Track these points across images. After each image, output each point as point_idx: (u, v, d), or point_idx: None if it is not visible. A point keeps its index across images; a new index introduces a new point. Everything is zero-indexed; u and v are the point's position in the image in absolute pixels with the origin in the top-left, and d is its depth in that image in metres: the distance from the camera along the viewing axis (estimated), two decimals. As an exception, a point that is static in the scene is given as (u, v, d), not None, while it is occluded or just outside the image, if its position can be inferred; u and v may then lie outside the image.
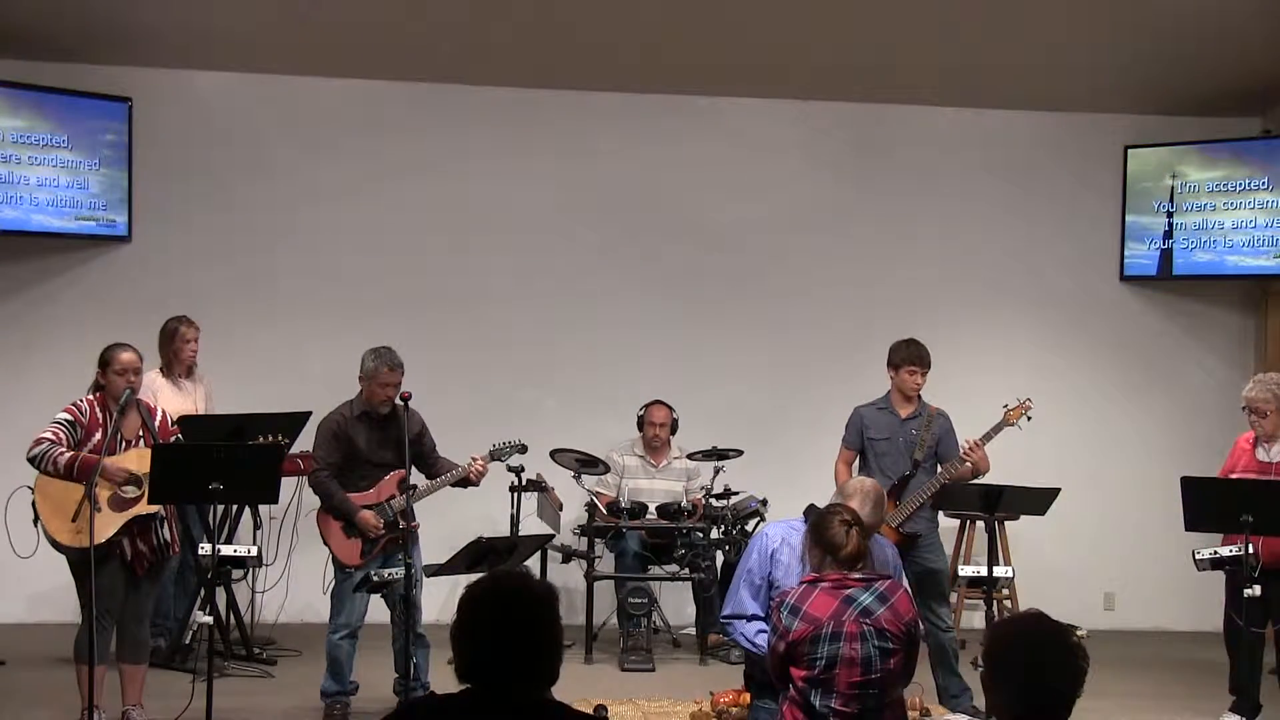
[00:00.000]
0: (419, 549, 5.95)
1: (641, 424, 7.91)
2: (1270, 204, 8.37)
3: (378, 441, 5.89)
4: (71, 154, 7.91)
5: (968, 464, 6.13)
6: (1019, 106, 8.79)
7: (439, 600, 7.44)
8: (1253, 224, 8.42)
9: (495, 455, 6.24)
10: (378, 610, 6.03)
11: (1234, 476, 5.99)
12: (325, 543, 5.93)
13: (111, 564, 5.27)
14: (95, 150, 7.99)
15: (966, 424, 6.35)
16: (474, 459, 6.01)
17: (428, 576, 5.88)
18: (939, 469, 6.26)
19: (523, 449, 6.44)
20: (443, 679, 5.80)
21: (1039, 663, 2.80)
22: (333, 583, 5.96)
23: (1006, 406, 6.27)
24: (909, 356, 6.35)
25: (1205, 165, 8.60)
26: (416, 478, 5.99)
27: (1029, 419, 6.27)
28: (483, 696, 2.59)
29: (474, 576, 5.60)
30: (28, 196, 7.82)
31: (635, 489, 7.73)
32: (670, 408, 7.93)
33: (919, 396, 6.38)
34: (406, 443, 5.67)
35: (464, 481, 6.01)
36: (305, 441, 6.63)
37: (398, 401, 5.79)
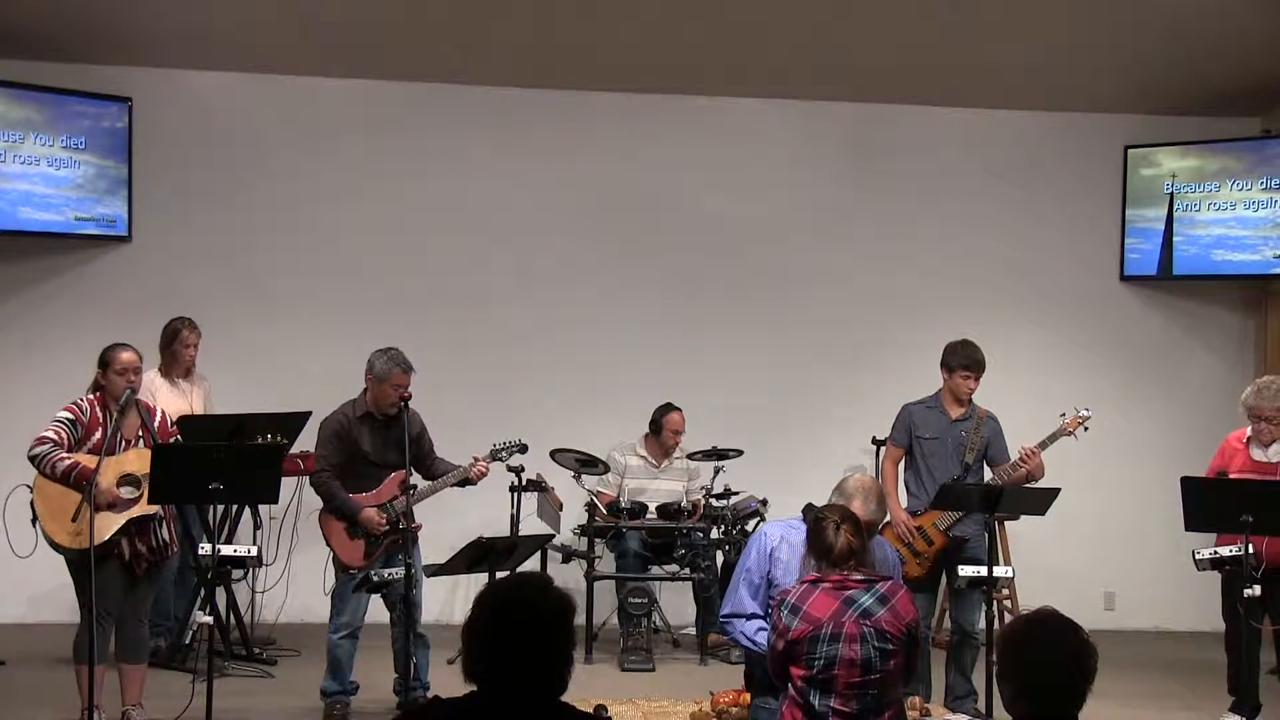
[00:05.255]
0: (419, 549, 5.96)
1: (657, 427, 7.89)
2: (1270, 203, 8.37)
3: (381, 442, 5.88)
4: (71, 154, 7.91)
5: (1023, 469, 6.10)
6: (1019, 106, 8.79)
7: (439, 600, 7.45)
8: (1252, 223, 8.42)
9: (495, 455, 6.24)
10: (378, 610, 6.04)
11: (1231, 476, 5.98)
12: (328, 544, 5.93)
13: (110, 564, 5.26)
14: (95, 150, 7.99)
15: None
16: (475, 459, 6.01)
17: (428, 576, 5.88)
18: (987, 472, 6.25)
19: (523, 449, 6.43)
20: (442, 679, 5.82)
21: (1042, 662, 2.80)
22: (334, 583, 5.95)
23: (1064, 416, 6.24)
24: (964, 360, 6.28)
25: (1205, 165, 8.60)
26: (415, 479, 6.00)
27: (1086, 429, 6.26)
28: (491, 698, 2.59)
29: (475, 576, 5.66)
30: (27, 196, 7.82)
31: (637, 489, 7.72)
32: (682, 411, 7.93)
33: (970, 399, 6.36)
34: (408, 443, 5.69)
35: (464, 481, 6.02)
36: (305, 441, 6.64)
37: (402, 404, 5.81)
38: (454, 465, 6.02)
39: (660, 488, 7.80)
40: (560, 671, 2.63)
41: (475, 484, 6.09)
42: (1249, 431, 6.11)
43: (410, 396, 5.81)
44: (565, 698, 2.70)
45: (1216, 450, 6.26)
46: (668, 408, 7.89)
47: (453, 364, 8.07)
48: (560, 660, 2.63)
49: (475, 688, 2.62)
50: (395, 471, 5.84)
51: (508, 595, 2.67)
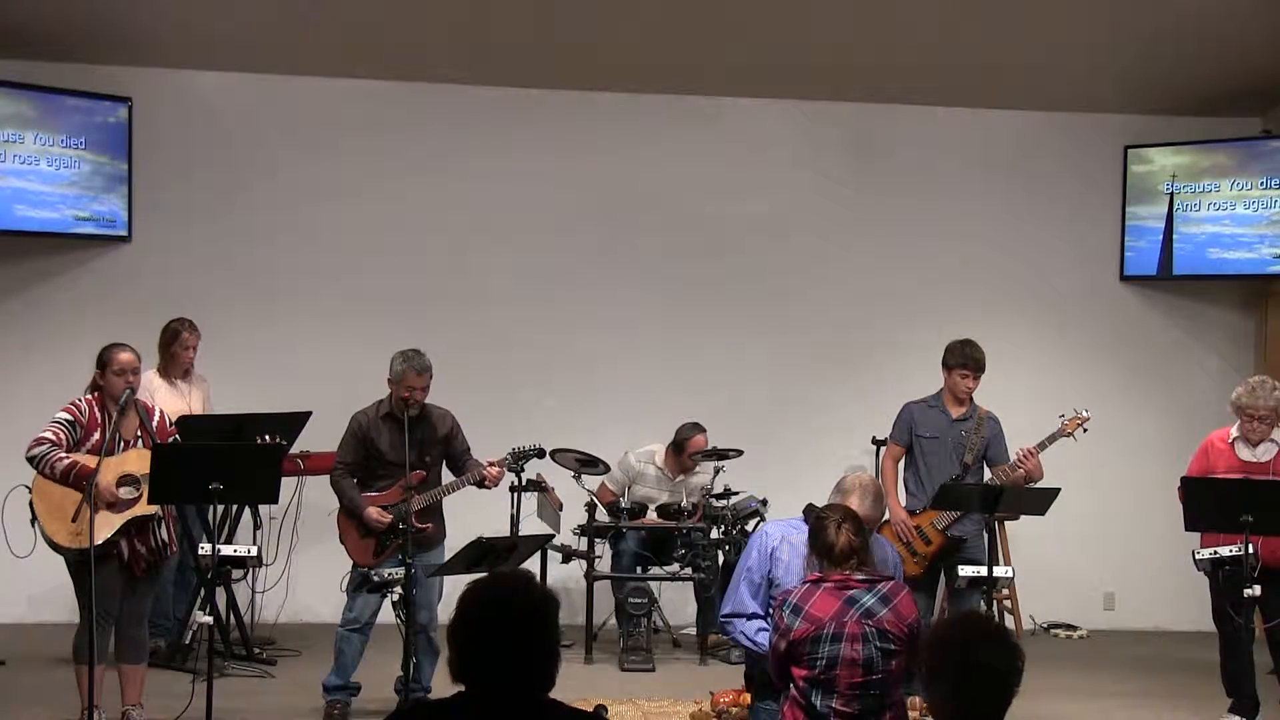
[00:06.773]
0: (441, 552, 5.96)
1: (680, 447, 7.73)
2: (1270, 203, 8.37)
3: (401, 443, 5.88)
4: (71, 154, 7.91)
5: (1021, 470, 6.10)
6: (1019, 106, 8.79)
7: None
8: (1252, 223, 8.42)
9: (513, 460, 6.26)
10: (389, 610, 6.02)
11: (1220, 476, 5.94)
12: (342, 542, 5.95)
13: (109, 564, 5.26)
14: (95, 150, 7.99)
15: (966, 424, 6.34)
16: (490, 463, 6.02)
17: (427, 577, 5.88)
18: (986, 473, 6.25)
19: (540, 454, 6.45)
20: (445, 682, 5.80)
21: (976, 663, 2.80)
22: (349, 578, 5.97)
23: (1063, 417, 6.23)
24: (962, 360, 6.30)
25: (1205, 165, 8.60)
26: (445, 477, 6.04)
27: (1085, 431, 6.26)
28: (477, 698, 2.58)
29: (474, 576, 5.65)
30: (21, 194, 7.81)
31: (645, 496, 7.70)
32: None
33: (970, 398, 6.36)
34: (407, 445, 5.72)
35: (480, 482, 6.05)
36: (305, 441, 6.64)
37: (428, 403, 5.88)
38: (482, 465, 6.04)
39: (670, 501, 7.75)
40: (545, 668, 2.61)
41: (490, 487, 6.11)
42: (1234, 431, 6.07)
43: (409, 397, 5.80)
44: (565, 698, 2.69)
45: (1197, 451, 6.20)
46: (695, 428, 7.72)
47: (453, 364, 7.98)
48: (545, 657, 2.61)
49: (463, 688, 2.60)
50: (414, 472, 5.86)
51: (489, 593, 2.65)
